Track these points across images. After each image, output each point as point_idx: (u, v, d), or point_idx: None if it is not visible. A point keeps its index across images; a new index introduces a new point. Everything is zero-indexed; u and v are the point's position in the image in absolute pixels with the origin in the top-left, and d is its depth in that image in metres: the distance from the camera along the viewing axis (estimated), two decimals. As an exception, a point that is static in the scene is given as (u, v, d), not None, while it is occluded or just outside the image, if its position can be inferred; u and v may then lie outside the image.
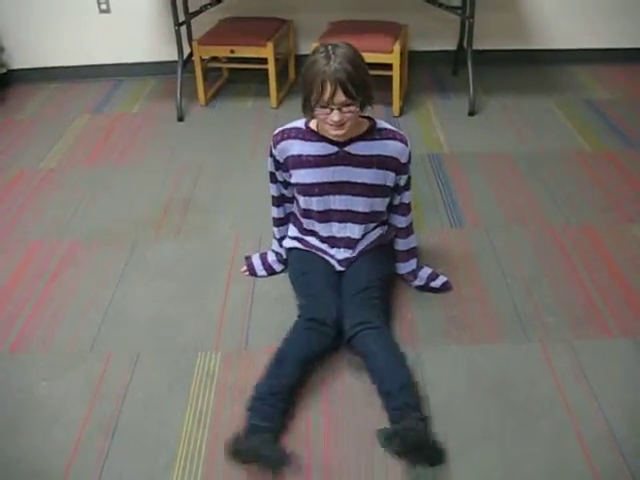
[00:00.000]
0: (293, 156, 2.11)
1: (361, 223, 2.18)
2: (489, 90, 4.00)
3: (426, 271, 2.33)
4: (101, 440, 1.83)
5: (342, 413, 1.89)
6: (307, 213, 2.22)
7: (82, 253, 2.63)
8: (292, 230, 2.34)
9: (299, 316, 2.05)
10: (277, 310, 2.24)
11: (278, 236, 2.38)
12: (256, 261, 2.44)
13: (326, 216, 2.19)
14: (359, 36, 3.48)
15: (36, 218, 2.88)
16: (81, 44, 4.33)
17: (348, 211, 2.16)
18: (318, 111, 1.92)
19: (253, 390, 1.86)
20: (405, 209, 2.23)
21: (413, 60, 4.11)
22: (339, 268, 2.21)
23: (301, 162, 2.10)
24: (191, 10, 3.88)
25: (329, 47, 1.89)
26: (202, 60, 3.88)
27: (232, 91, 4.17)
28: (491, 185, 3.00)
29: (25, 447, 1.82)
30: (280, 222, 2.35)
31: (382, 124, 2.11)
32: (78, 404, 1.94)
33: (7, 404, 1.96)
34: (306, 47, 3.98)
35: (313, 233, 2.26)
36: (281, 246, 2.38)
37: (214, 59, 4.16)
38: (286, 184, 2.23)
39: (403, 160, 2.11)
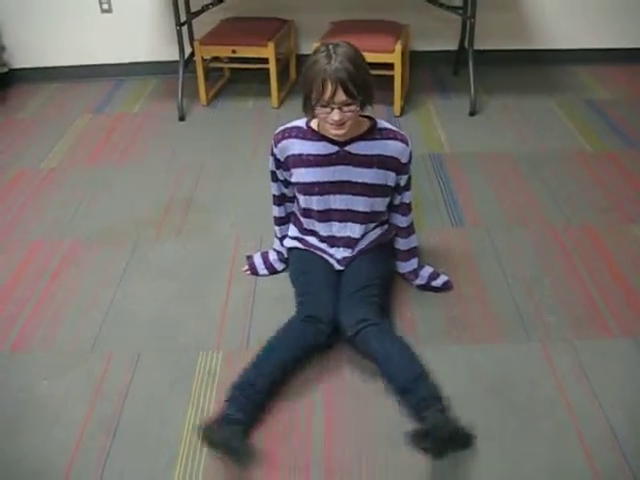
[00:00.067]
0: (294, 155, 2.11)
1: (361, 223, 2.18)
2: (490, 90, 4.00)
3: (427, 270, 2.33)
4: (102, 439, 1.83)
5: (342, 412, 1.89)
6: (307, 212, 2.22)
7: (83, 253, 2.63)
8: (292, 230, 2.34)
9: (296, 313, 2.06)
10: (278, 309, 2.24)
11: (279, 235, 2.39)
12: (257, 260, 2.45)
13: (326, 215, 2.19)
14: (360, 36, 3.48)
15: (37, 218, 2.88)
16: (82, 44, 4.34)
17: (348, 210, 2.16)
18: (319, 110, 1.92)
19: (237, 377, 1.87)
20: (406, 209, 2.23)
21: (414, 60, 4.11)
22: (338, 267, 2.21)
23: (301, 161, 2.10)
24: (193, 10, 3.89)
25: (330, 46, 1.89)
26: (203, 60, 3.88)
27: (233, 91, 4.17)
28: (492, 185, 3.00)
29: (26, 446, 1.82)
30: (281, 221, 2.36)
31: (383, 124, 2.11)
32: (79, 403, 1.94)
33: (8, 403, 1.96)
34: (307, 47, 3.98)
35: (313, 233, 2.27)
36: (282, 245, 2.38)
37: (215, 59, 4.16)
38: (287, 183, 2.23)
39: (404, 160, 2.11)
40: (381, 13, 4.00)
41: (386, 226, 2.29)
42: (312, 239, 2.27)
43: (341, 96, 1.86)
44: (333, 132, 1.98)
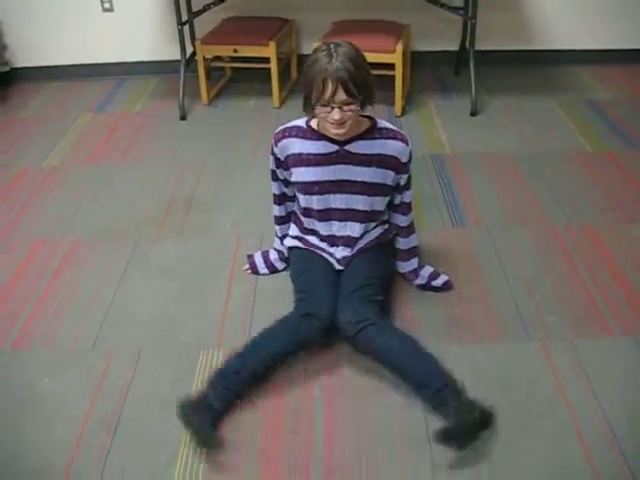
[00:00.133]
0: (293, 154, 2.12)
1: (361, 222, 2.19)
2: (491, 90, 4.00)
3: (427, 270, 2.33)
4: (103, 436, 1.83)
5: (342, 412, 1.89)
6: (307, 212, 2.23)
7: (84, 251, 2.63)
8: (293, 229, 2.34)
9: (294, 309, 2.07)
10: (279, 308, 2.23)
11: (280, 234, 2.39)
12: (258, 259, 2.45)
13: (326, 215, 2.19)
14: (362, 36, 3.49)
15: (38, 216, 2.89)
16: (84, 43, 4.34)
17: (348, 210, 2.16)
18: (319, 109, 1.93)
19: (223, 362, 1.93)
20: (406, 208, 2.24)
21: (415, 60, 4.12)
22: (338, 267, 2.21)
23: (301, 160, 2.11)
24: (194, 9, 3.89)
25: (331, 45, 1.89)
26: (205, 59, 3.88)
27: (235, 90, 4.17)
28: (493, 185, 3.00)
29: (26, 443, 1.82)
30: (281, 220, 2.36)
31: (383, 123, 2.11)
32: (80, 400, 1.95)
33: (8, 401, 1.96)
34: (309, 47, 3.98)
35: (314, 232, 2.27)
36: (283, 244, 2.39)
37: (217, 58, 4.17)
38: (287, 182, 2.24)
39: (404, 160, 2.11)
40: (382, 13, 4.00)
41: (386, 225, 2.29)
42: (312, 238, 2.27)
43: (341, 95, 1.87)
44: (333, 131, 1.98)
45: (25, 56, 4.37)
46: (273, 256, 2.44)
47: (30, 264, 2.57)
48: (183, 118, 3.79)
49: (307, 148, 2.09)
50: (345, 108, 1.90)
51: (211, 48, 3.85)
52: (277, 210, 2.34)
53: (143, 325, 2.24)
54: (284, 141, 2.12)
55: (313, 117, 2.07)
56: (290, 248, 2.34)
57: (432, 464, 1.72)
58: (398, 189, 2.19)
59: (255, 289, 2.38)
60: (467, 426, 1.71)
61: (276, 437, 1.82)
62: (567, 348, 2.07)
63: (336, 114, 1.90)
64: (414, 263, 2.33)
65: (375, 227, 2.25)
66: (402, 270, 2.35)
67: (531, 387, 1.94)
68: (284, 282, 2.36)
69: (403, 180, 2.16)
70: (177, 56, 3.88)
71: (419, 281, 2.32)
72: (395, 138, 2.09)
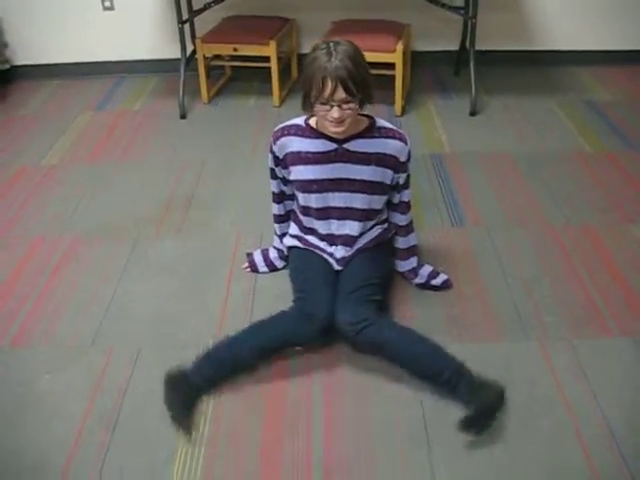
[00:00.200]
0: (292, 153, 2.12)
1: (359, 220, 2.18)
2: (491, 90, 4.00)
3: (427, 269, 2.34)
4: (102, 434, 1.83)
5: (342, 411, 1.89)
6: (306, 210, 2.22)
7: (83, 249, 2.63)
8: (293, 228, 2.34)
9: (293, 307, 2.08)
10: (278, 306, 2.23)
11: (279, 233, 2.39)
12: (257, 257, 2.45)
13: (325, 213, 2.19)
14: (362, 35, 3.49)
15: (38, 214, 2.89)
16: (84, 41, 4.34)
17: (347, 208, 2.16)
18: (318, 107, 1.93)
19: (213, 345, 1.99)
20: (405, 207, 2.24)
21: (415, 60, 4.12)
22: (337, 267, 2.21)
23: (300, 159, 2.11)
24: (195, 8, 3.90)
25: (330, 44, 1.89)
26: (205, 58, 3.89)
27: (235, 89, 4.17)
28: (492, 185, 3.00)
29: (25, 441, 1.82)
30: (281, 219, 2.36)
31: (381, 122, 2.11)
32: (79, 398, 1.95)
33: (8, 398, 1.96)
34: (309, 46, 3.93)
35: (313, 231, 2.27)
36: (282, 242, 2.39)
37: (217, 57, 4.16)
38: (286, 181, 2.24)
39: (402, 159, 2.11)
40: (382, 13, 4.00)
41: (385, 225, 2.29)
42: (312, 238, 2.27)
43: (341, 94, 1.87)
44: (332, 130, 1.98)
45: (25, 54, 4.36)
46: (273, 254, 2.44)
47: (29, 261, 2.57)
48: (183, 117, 3.79)
49: (306, 146, 2.09)
50: (344, 106, 1.90)
51: (211, 47, 3.85)
52: (276, 208, 2.34)
53: (142, 323, 2.24)
54: (283, 139, 2.12)
55: (312, 115, 2.07)
56: (289, 248, 2.34)
57: (431, 464, 1.72)
58: (397, 188, 2.19)
59: (254, 287, 2.38)
60: (486, 410, 1.78)
61: (276, 436, 1.82)
62: (566, 348, 2.07)
63: (335, 112, 1.90)
64: (413, 262, 2.33)
65: (374, 226, 2.25)
66: (401, 269, 2.35)
67: (530, 387, 1.94)
68: (283, 281, 2.36)
69: (402, 179, 2.16)
70: (177, 55, 3.88)
71: (418, 280, 2.33)
72: (394, 137, 2.09)
